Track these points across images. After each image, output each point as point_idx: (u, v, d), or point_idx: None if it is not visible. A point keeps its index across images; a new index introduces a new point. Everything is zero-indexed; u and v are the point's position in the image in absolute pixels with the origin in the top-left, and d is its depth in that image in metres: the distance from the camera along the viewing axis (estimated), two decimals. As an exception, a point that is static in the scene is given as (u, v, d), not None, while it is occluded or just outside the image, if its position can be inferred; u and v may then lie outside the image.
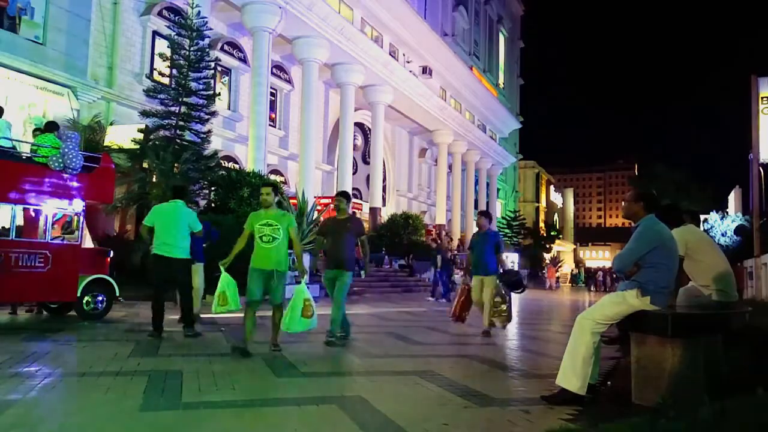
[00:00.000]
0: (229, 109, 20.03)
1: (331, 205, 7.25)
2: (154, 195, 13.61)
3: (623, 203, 3.98)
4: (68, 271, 7.58)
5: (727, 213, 33.00)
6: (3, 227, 7.32)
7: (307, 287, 5.82)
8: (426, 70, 28.94)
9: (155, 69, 16.05)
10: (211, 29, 15.98)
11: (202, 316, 7.91)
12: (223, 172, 15.38)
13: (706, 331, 3.68)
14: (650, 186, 37.43)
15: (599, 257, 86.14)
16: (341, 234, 6.29)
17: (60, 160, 7.45)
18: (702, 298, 4.30)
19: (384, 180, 28.30)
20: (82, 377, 4.21)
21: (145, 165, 13.76)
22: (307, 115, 20.78)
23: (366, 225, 25.81)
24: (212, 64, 16.33)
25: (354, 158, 24.90)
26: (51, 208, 7.48)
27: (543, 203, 64.42)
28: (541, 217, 61.35)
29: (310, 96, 20.85)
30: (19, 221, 7.34)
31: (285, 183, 21.74)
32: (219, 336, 6.66)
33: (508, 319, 7.99)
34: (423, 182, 35.87)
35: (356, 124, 26.26)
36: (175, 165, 13.77)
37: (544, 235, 51.80)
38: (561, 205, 75.56)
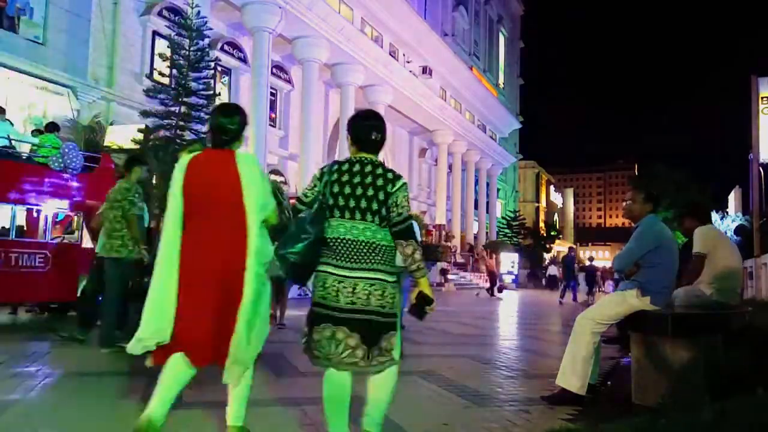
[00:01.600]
0: (229, 109, 20.00)
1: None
2: (154, 195, 13.61)
3: (625, 203, 3.96)
4: (68, 271, 7.58)
5: (727, 213, 32.98)
6: (3, 227, 7.32)
7: None
8: (426, 70, 28.94)
9: (155, 69, 16.05)
10: (211, 29, 15.97)
11: None
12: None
13: (706, 331, 3.67)
14: (650, 186, 37.45)
15: (599, 257, 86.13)
16: None
17: (60, 160, 7.45)
18: (702, 297, 4.29)
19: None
20: (82, 377, 4.21)
21: (145, 165, 13.77)
22: (307, 115, 20.79)
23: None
24: (212, 64, 16.32)
25: (354, 158, 24.89)
26: (51, 208, 7.48)
27: (543, 203, 64.47)
28: (541, 217, 61.41)
29: (310, 96, 20.87)
30: (20, 221, 7.34)
31: (285, 183, 21.74)
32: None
33: None
34: (423, 182, 35.86)
35: (356, 124, 26.25)
36: (175, 165, 13.76)
37: (544, 235, 51.80)
38: (561, 205, 75.63)
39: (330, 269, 2.42)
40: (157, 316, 2.46)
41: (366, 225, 2.42)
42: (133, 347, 2.47)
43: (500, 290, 21.91)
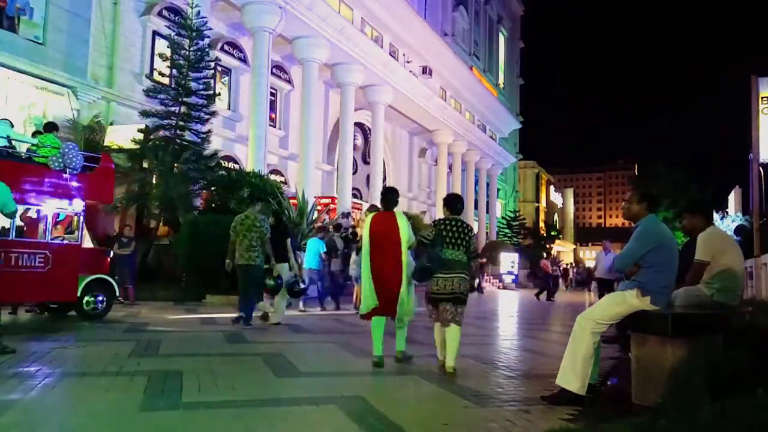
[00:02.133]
0: (229, 109, 20.02)
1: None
2: (154, 195, 13.62)
3: (624, 204, 3.98)
4: (68, 271, 7.59)
5: (727, 213, 32.96)
6: (3, 227, 7.32)
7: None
8: (426, 70, 28.93)
9: (155, 69, 16.06)
10: (211, 29, 15.97)
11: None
12: (223, 172, 15.39)
13: (706, 331, 3.67)
14: (650, 186, 37.45)
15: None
16: None
17: (60, 160, 7.45)
18: (702, 297, 4.28)
19: (384, 180, 28.28)
20: (82, 377, 4.21)
21: (145, 165, 13.77)
22: (307, 115, 20.77)
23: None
24: (212, 64, 16.34)
25: (354, 158, 24.89)
26: (51, 208, 7.48)
27: (543, 203, 64.44)
28: (541, 217, 61.37)
29: (310, 96, 20.85)
30: (19, 221, 7.33)
31: (285, 183, 21.74)
32: (219, 336, 6.66)
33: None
34: (423, 182, 35.86)
35: (356, 124, 26.25)
36: (175, 165, 13.77)
37: (544, 235, 51.80)
38: (561, 205, 75.57)
39: (441, 275, 4.81)
40: (370, 295, 5.02)
41: (459, 252, 4.90)
42: (362, 310, 5.12)
43: (552, 294, 21.54)
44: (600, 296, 11.19)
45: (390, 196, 5.39)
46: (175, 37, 14.57)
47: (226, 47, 19.64)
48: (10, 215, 5.71)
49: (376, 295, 4.97)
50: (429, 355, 5.89)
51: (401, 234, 5.08)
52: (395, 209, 5.35)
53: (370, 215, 5.43)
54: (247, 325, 7.48)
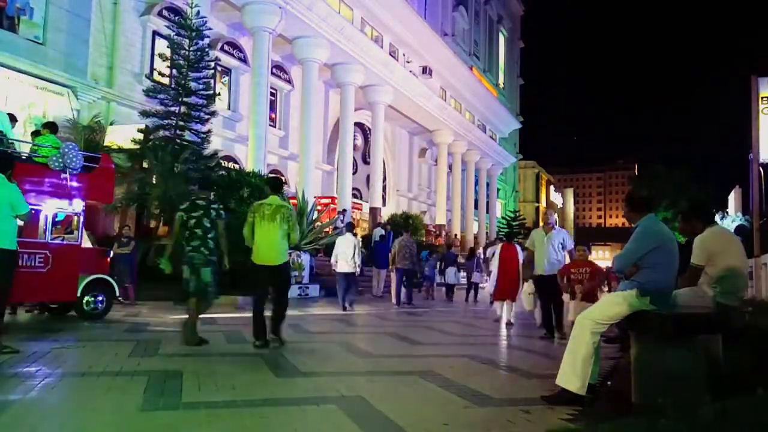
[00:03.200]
0: (229, 109, 20.02)
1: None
2: (154, 195, 13.62)
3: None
4: (68, 271, 7.58)
5: (727, 213, 32.96)
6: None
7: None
8: (426, 70, 28.93)
9: (155, 69, 16.06)
10: (210, 29, 15.97)
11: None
12: (223, 172, 15.38)
13: (706, 331, 3.67)
14: (650, 186, 37.44)
15: (599, 257, 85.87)
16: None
17: (60, 160, 7.45)
18: (705, 299, 4.24)
19: (384, 180, 28.29)
20: (82, 377, 4.21)
21: (144, 165, 13.77)
22: (307, 115, 20.78)
23: (365, 224, 25.98)
24: (212, 64, 16.33)
25: (354, 158, 24.90)
26: (51, 208, 7.48)
27: (543, 203, 64.45)
28: (541, 217, 61.36)
29: (310, 96, 20.86)
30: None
31: (285, 183, 21.71)
32: (219, 336, 6.66)
33: None
34: (423, 182, 35.86)
35: (356, 124, 26.26)
36: (175, 165, 13.76)
37: (544, 235, 51.61)
38: (561, 205, 75.48)
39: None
40: (496, 287, 9.58)
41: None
42: (486, 292, 12.29)
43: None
44: (543, 302, 7.69)
45: (511, 236, 9.42)
46: (175, 37, 14.56)
47: (226, 47, 19.64)
48: (23, 217, 5.69)
49: (501, 289, 9.18)
50: (429, 355, 5.90)
51: (518, 255, 9.16)
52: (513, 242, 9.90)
53: (500, 244, 10.14)
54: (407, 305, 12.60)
